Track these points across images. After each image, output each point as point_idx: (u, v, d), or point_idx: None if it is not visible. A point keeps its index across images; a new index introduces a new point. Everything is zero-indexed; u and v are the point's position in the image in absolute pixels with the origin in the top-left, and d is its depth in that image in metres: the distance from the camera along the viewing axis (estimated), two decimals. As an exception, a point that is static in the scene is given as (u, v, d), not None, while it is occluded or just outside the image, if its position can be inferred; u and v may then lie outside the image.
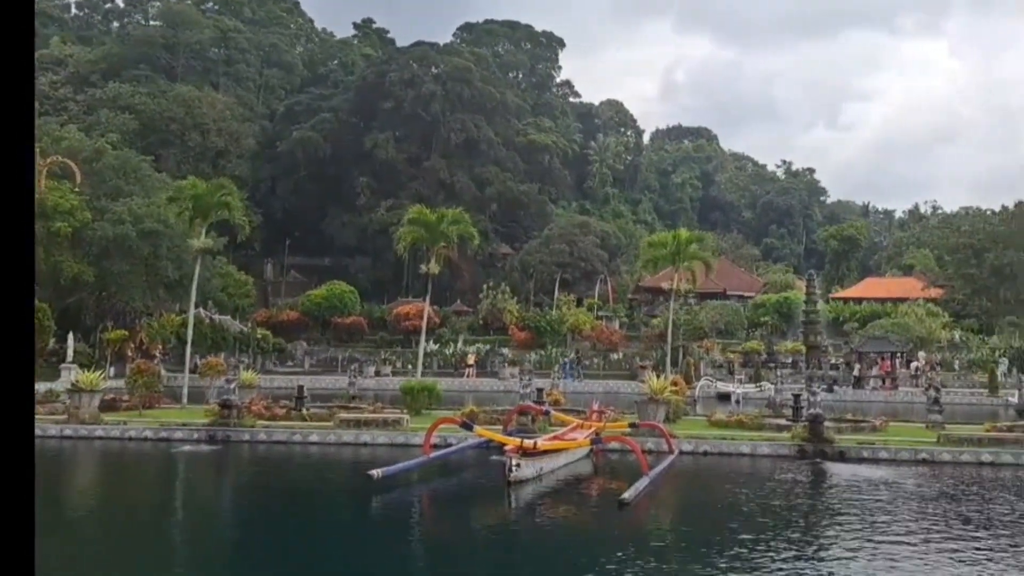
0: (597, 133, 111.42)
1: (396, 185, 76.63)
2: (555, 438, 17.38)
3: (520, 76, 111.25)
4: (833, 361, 45.79)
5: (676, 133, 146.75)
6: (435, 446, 17.36)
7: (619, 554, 10.51)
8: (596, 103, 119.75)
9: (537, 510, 14.01)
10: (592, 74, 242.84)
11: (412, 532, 12.51)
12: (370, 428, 20.50)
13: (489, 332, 57.05)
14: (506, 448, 15.14)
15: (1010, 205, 76.66)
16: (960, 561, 10.10)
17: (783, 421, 22.93)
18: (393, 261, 62.62)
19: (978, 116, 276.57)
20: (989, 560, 10.19)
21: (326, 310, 57.93)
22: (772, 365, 41.50)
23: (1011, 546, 11.12)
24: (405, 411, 22.51)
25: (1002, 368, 41.17)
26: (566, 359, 45.60)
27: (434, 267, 41.14)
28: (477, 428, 17.31)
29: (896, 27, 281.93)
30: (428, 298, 45.67)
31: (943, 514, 13.26)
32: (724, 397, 36.50)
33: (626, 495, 13.13)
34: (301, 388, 23.70)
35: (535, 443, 15.51)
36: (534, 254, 71.33)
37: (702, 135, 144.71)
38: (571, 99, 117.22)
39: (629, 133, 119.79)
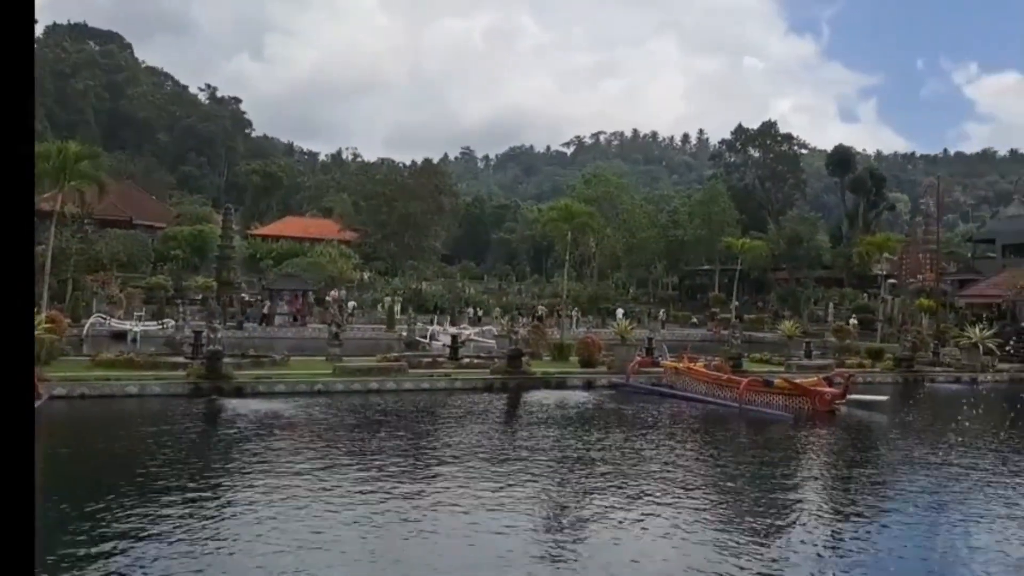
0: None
1: None
2: None
3: None
4: (247, 298, 46.88)
5: (80, 33, 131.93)
6: None
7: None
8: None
9: None
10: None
11: None
12: None
13: None
14: None
15: (419, 161, 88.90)
16: (328, 489, 10.93)
17: (181, 359, 22.85)
18: None
19: (399, 75, 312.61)
20: (365, 483, 11.24)
21: None
22: (179, 301, 40.42)
23: (390, 463, 12.52)
24: None
25: (398, 305, 47.47)
26: None
27: None
28: None
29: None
30: None
31: (331, 441, 14.45)
32: (120, 336, 34.41)
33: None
34: None
35: None
36: None
37: (113, 40, 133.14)
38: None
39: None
